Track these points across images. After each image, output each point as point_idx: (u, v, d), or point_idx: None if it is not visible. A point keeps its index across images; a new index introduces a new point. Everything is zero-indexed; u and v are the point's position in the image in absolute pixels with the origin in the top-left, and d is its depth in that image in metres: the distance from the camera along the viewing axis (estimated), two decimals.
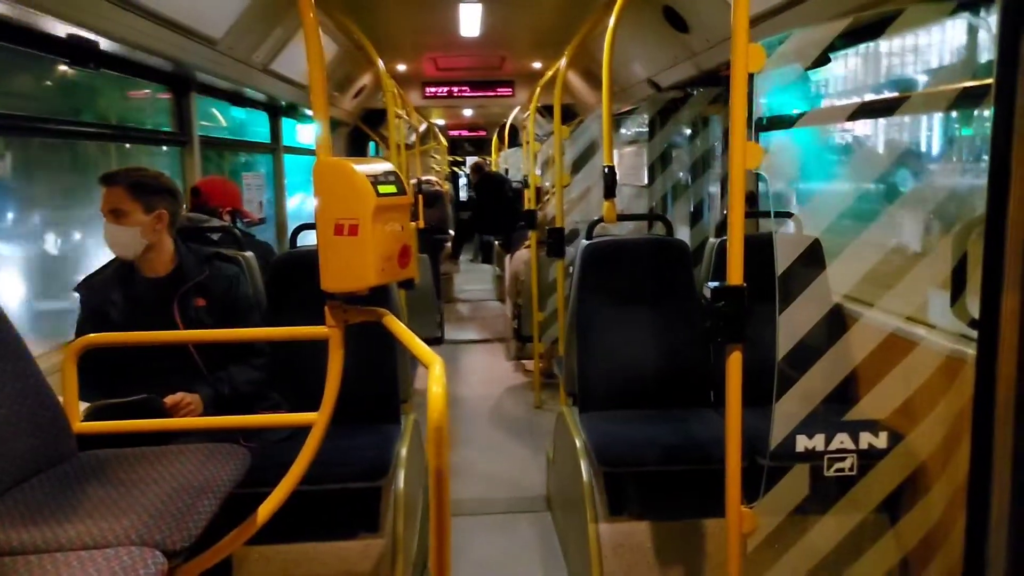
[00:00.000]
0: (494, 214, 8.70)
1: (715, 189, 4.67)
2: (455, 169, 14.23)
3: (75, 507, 1.48)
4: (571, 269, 3.45)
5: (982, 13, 1.80)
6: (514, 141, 10.55)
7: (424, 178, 9.18)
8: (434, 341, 5.83)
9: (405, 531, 2.52)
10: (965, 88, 2.04)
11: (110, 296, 2.33)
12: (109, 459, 1.73)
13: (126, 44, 2.59)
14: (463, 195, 13.16)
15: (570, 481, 2.84)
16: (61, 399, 1.82)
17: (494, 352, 6.46)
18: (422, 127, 9.52)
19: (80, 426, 1.85)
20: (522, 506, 3.52)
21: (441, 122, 12.24)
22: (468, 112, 10.81)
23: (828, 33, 1.76)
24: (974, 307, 1.85)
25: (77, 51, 2.59)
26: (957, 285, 2.01)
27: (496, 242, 8.91)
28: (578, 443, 2.77)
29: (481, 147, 14.84)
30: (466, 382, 5.59)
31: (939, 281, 1.97)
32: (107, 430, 1.87)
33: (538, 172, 5.99)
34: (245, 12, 3.10)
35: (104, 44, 2.56)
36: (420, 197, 6.66)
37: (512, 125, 9.32)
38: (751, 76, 1.58)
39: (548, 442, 3.56)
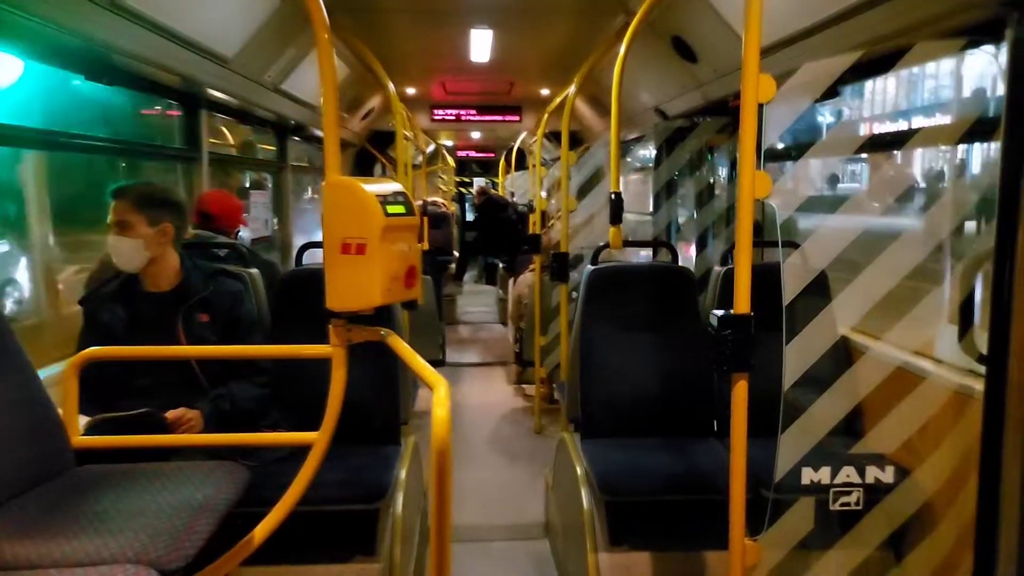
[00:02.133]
0: (498, 237, 8.73)
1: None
2: (462, 190, 14.29)
3: (71, 522, 1.46)
4: (575, 294, 3.44)
5: (992, 48, 1.81)
6: (520, 165, 10.61)
7: (430, 199, 9.22)
8: (436, 363, 5.79)
9: (402, 556, 2.49)
10: (975, 122, 2.05)
11: (114, 310, 2.32)
12: (107, 474, 1.71)
13: (140, 60, 2.61)
14: (469, 216, 13.22)
15: (570, 509, 2.80)
16: (61, 412, 1.81)
17: (495, 375, 6.44)
18: (430, 148, 9.57)
19: (79, 440, 1.83)
20: (520, 533, 3.48)
21: (449, 143, 12.31)
22: (476, 134, 10.88)
23: (838, 66, 1.77)
24: (982, 342, 1.84)
25: (92, 66, 2.61)
26: (965, 320, 2.00)
27: (501, 264, 8.92)
28: (579, 470, 2.74)
29: (488, 168, 14.90)
30: (466, 405, 5.55)
31: None
32: (106, 444, 1.86)
33: (543, 196, 6.01)
34: (258, 32, 3.13)
35: (118, 59, 2.59)
36: (426, 219, 6.67)
37: (519, 149, 9.39)
38: (760, 106, 1.59)
39: (547, 468, 3.53)
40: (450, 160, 11.96)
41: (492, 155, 13.56)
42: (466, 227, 10.61)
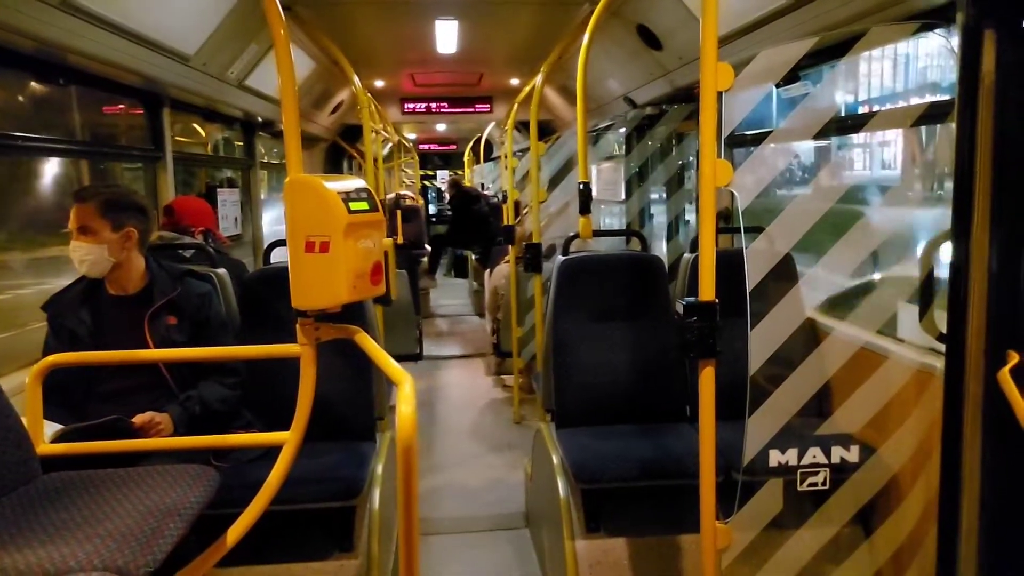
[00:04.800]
0: (471, 229, 8.71)
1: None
2: (425, 183, 14.28)
3: (36, 531, 1.44)
4: (549, 284, 3.45)
5: (943, 32, 1.84)
6: (487, 156, 10.57)
7: (401, 193, 9.18)
8: (413, 357, 5.79)
9: (380, 551, 2.49)
10: (931, 104, 2.08)
11: (78, 314, 2.29)
12: (73, 481, 1.69)
13: (96, 61, 2.56)
14: (432, 209, 13.24)
15: (548, 498, 2.82)
16: (25, 420, 1.78)
17: (473, 368, 6.44)
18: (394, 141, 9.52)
19: (44, 447, 1.81)
20: (500, 523, 3.50)
21: (412, 136, 12.25)
22: (441, 126, 10.83)
23: (795, 52, 1.79)
24: (942, 321, 1.88)
25: (44, 67, 2.56)
26: (925, 300, 2.04)
27: (474, 257, 8.92)
28: (555, 459, 2.76)
29: (449, 161, 14.89)
30: (445, 398, 5.56)
31: None
32: (72, 451, 1.83)
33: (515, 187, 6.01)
34: (219, 28, 3.09)
35: (73, 59, 2.54)
36: (399, 212, 6.65)
37: (487, 140, 9.37)
38: (720, 94, 1.60)
39: (527, 458, 3.55)
40: (414, 153, 11.93)
41: (454, 147, 13.54)
42: (429, 220, 10.62)
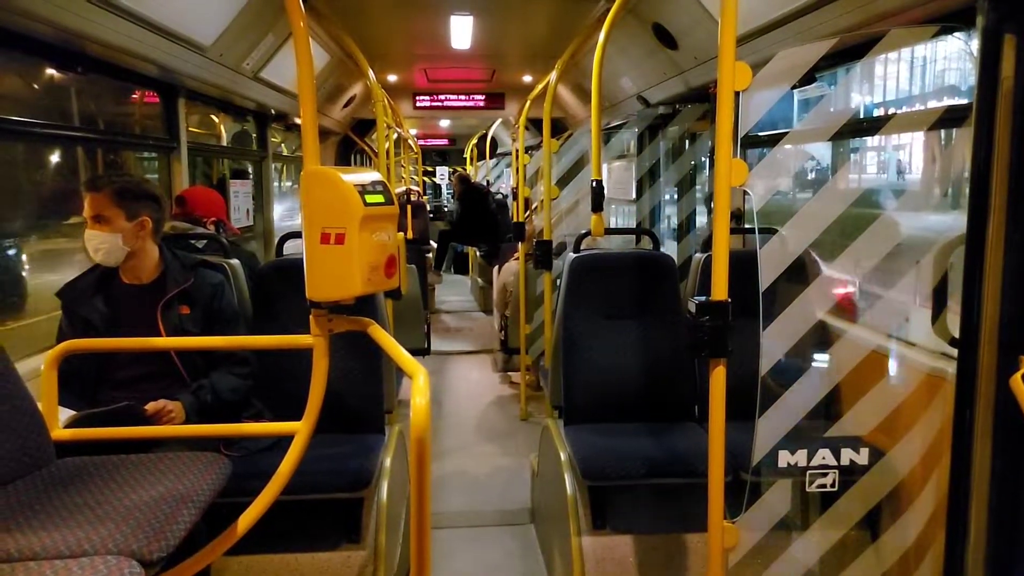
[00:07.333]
0: (478, 226, 8.73)
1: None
2: (424, 179, 14.34)
3: (51, 514, 1.46)
4: (559, 282, 3.45)
5: (963, 36, 1.83)
6: (492, 153, 10.57)
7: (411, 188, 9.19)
8: (420, 352, 5.80)
9: (387, 542, 2.51)
10: (948, 108, 2.07)
11: (92, 302, 2.31)
12: (87, 466, 1.71)
13: (114, 49, 2.58)
14: (428, 206, 13.29)
15: (554, 494, 2.83)
16: (41, 405, 1.80)
17: (480, 363, 6.45)
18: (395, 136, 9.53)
19: (59, 432, 1.82)
20: (506, 519, 3.51)
21: (413, 131, 12.26)
22: (445, 122, 10.83)
23: (813, 54, 1.78)
24: (955, 326, 1.87)
25: (63, 54, 2.58)
26: (938, 304, 2.03)
27: (479, 253, 8.93)
28: (563, 456, 2.76)
29: (447, 157, 14.88)
30: (452, 393, 5.57)
31: None
32: (86, 437, 1.85)
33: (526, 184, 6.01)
34: (236, 19, 3.10)
35: (91, 48, 2.55)
36: (409, 208, 6.67)
37: (492, 137, 9.35)
38: (737, 94, 1.60)
39: (533, 454, 3.56)
40: (416, 149, 11.96)
41: (452, 144, 13.56)
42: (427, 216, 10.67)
